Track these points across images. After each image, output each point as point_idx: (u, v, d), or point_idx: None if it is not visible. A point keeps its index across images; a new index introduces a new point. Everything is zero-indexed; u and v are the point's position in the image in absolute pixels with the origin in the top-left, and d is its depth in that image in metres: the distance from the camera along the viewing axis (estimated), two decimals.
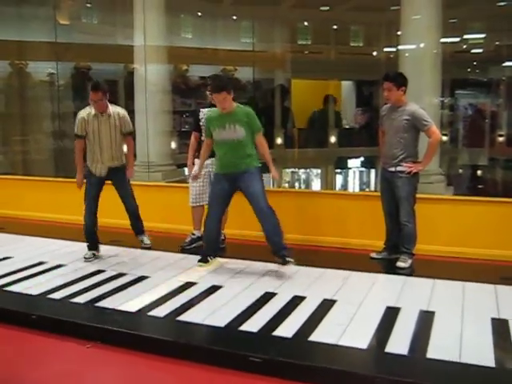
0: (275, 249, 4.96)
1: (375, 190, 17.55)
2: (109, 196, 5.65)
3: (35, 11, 11.78)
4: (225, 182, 5.04)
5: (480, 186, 15.75)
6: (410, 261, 5.07)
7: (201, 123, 5.71)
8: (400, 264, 5.04)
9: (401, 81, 5.02)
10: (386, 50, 14.36)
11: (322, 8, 14.67)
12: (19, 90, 12.50)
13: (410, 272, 4.94)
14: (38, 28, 11.84)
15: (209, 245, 5.28)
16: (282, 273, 4.89)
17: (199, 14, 14.48)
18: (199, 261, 5.22)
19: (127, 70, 12.56)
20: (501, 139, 15.24)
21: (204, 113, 5.70)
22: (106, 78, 14.90)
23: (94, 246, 5.61)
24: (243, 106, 5.05)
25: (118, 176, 5.61)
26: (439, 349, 3.35)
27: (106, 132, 5.43)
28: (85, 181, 5.61)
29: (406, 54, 8.14)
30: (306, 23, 16.10)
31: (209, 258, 5.23)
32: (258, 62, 13.99)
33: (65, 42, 11.96)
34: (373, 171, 18.09)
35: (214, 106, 5.67)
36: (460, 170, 14.55)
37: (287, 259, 4.88)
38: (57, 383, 3.31)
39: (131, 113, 10.12)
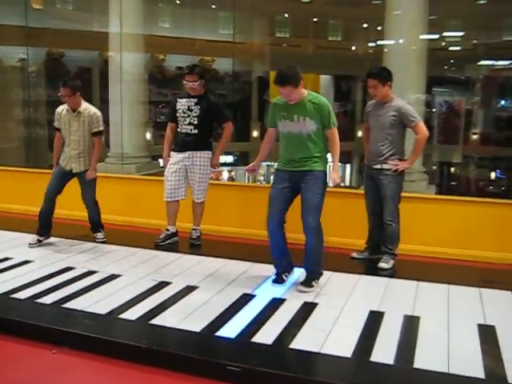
0: (307, 267, 4.45)
1: (351, 186, 17.55)
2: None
3: None
4: (287, 182, 4.39)
5: (453, 183, 15.87)
6: (392, 261, 4.92)
7: (177, 114, 5.47)
8: (382, 265, 4.89)
9: (386, 76, 4.84)
10: (365, 45, 14.31)
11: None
12: None
13: (392, 273, 4.79)
14: (9, 11, 11.38)
15: (276, 256, 4.51)
16: (259, 273, 4.69)
17: (178, 1, 14.19)
18: (274, 281, 4.47)
19: (102, 58, 12.21)
20: (475, 137, 15.36)
21: (181, 103, 5.46)
22: (79, 65, 14.59)
23: (41, 230, 5.49)
24: (317, 95, 4.40)
25: (83, 178, 5.52)
26: (426, 358, 3.19)
27: (75, 129, 5.45)
28: None
29: (385, 50, 7.97)
30: (285, 15, 15.94)
31: (284, 277, 4.48)
32: (237, 54, 13.77)
33: (37, 26, 11.55)
34: (348, 166, 18.07)
35: (192, 96, 5.45)
36: (434, 167, 14.59)
37: (313, 284, 4.36)
38: None
39: (105, 102, 9.83)
